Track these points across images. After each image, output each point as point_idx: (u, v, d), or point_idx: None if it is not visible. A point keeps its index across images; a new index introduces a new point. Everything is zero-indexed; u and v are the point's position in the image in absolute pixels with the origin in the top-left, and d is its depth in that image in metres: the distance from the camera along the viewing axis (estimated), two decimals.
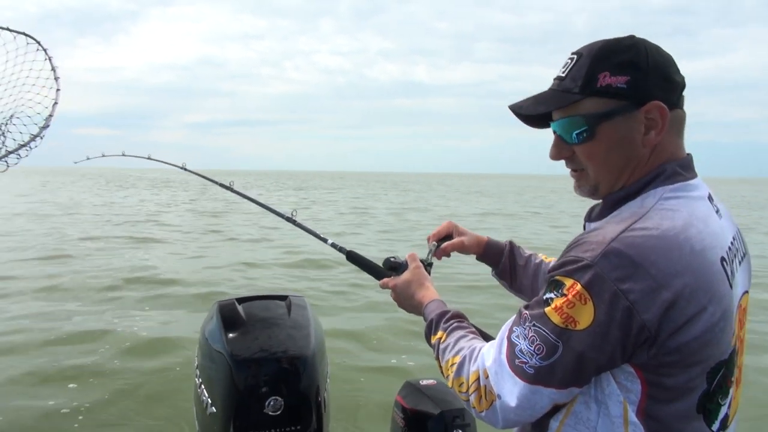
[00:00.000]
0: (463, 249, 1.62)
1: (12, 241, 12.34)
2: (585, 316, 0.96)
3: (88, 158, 3.00)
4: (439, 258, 1.62)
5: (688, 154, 1.15)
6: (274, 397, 1.82)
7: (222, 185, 2.33)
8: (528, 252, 1.64)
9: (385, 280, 1.54)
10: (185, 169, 2.59)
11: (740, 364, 1.12)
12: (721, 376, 1.03)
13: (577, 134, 1.11)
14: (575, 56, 1.12)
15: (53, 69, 1.97)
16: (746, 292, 1.14)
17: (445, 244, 1.61)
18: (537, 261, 1.61)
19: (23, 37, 1.97)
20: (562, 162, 1.20)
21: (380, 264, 1.63)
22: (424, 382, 2.17)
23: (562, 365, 0.99)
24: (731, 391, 1.07)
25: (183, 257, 10.88)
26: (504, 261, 1.62)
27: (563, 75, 1.13)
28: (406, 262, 1.52)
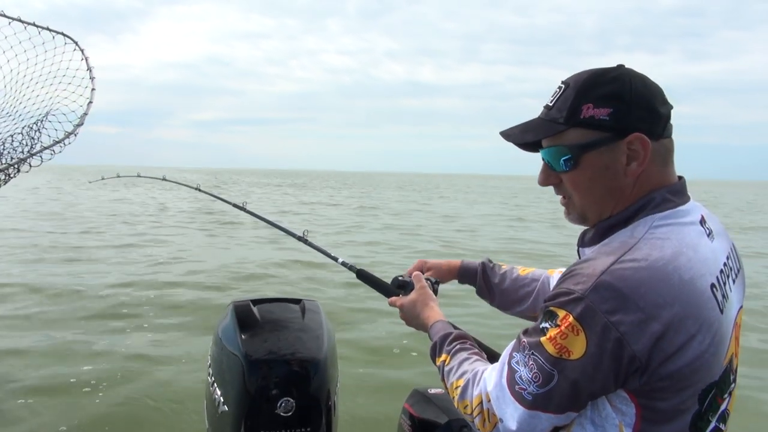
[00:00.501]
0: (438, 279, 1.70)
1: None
2: (578, 347, 1.00)
3: (102, 178, 3.08)
4: None
5: (680, 179, 1.18)
6: (285, 398, 1.85)
7: (235, 205, 2.41)
8: (504, 268, 1.71)
9: (394, 298, 1.62)
10: (200, 190, 2.67)
11: (735, 376, 1.15)
12: (711, 396, 1.06)
13: (563, 162, 1.15)
14: (563, 86, 1.16)
15: (89, 69, 2.03)
16: (740, 307, 1.18)
17: (416, 273, 1.67)
18: (513, 276, 1.67)
19: (61, 36, 2.03)
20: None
21: (389, 281, 1.71)
22: (432, 391, 2.19)
23: (559, 392, 1.03)
24: (722, 406, 1.11)
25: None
26: (479, 281, 1.71)
27: (551, 104, 1.17)
28: (413, 281, 1.59)
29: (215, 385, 2.02)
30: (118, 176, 2.98)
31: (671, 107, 1.14)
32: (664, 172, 1.15)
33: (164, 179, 2.87)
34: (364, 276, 1.80)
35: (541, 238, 14.90)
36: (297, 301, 2.25)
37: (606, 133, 1.10)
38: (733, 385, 1.13)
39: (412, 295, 1.55)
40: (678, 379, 1.01)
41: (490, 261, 1.73)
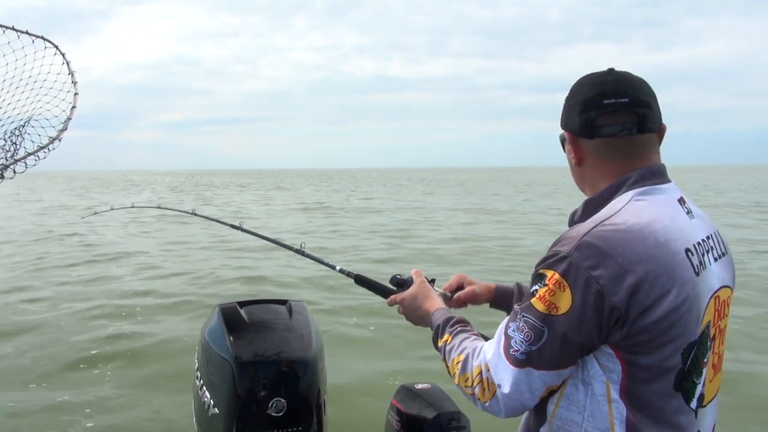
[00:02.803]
0: (474, 298, 1.73)
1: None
2: (564, 302, 1.10)
3: (95, 213, 3.04)
4: (456, 308, 1.72)
5: (657, 164, 1.27)
6: (276, 399, 1.86)
7: (231, 225, 2.45)
8: None
9: (393, 296, 1.66)
10: (195, 215, 2.68)
11: (720, 352, 1.25)
12: (693, 355, 1.14)
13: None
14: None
15: (71, 73, 2.01)
16: (727, 287, 1.25)
17: (458, 294, 1.72)
18: None
19: (41, 40, 2.00)
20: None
21: (387, 282, 1.74)
22: (420, 386, 2.22)
23: (550, 347, 1.12)
24: (704, 371, 1.18)
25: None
26: (515, 303, 1.70)
27: None
28: (412, 278, 1.63)
29: (204, 388, 2.02)
30: (112, 209, 2.95)
31: (611, 109, 1.23)
32: (627, 162, 1.25)
33: (159, 207, 2.85)
34: (362, 281, 1.84)
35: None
36: (283, 302, 2.25)
37: (562, 131, 1.33)
38: (709, 353, 1.20)
39: (413, 289, 1.59)
40: (656, 333, 1.09)
41: (522, 284, 1.73)
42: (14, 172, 1.79)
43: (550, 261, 1.14)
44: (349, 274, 1.88)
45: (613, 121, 1.23)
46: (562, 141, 1.35)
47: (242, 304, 2.19)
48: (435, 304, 1.52)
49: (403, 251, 11.98)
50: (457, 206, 23.51)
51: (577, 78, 1.31)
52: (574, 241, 1.12)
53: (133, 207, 2.88)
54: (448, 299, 1.70)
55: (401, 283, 1.67)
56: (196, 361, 2.15)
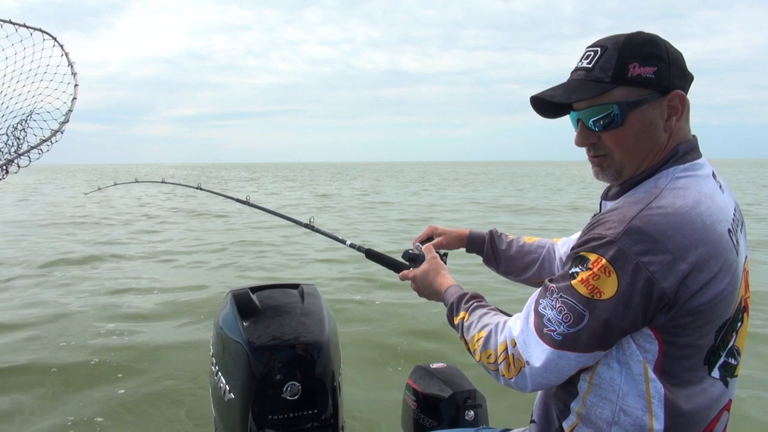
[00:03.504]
0: (443, 247, 1.75)
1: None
2: (609, 287, 1.07)
3: (99, 188, 3.08)
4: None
5: (693, 136, 1.25)
6: (291, 383, 1.87)
7: (238, 200, 2.44)
8: (511, 237, 1.77)
9: (405, 272, 1.65)
10: (201, 189, 2.69)
11: (746, 322, 1.23)
12: (725, 331, 1.14)
13: (606, 121, 1.19)
14: (599, 48, 1.20)
15: (70, 64, 2.00)
16: (746, 256, 1.25)
17: (427, 244, 1.72)
18: (520, 243, 1.74)
19: (39, 33, 1.99)
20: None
21: (398, 258, 1.75)
22: (435, 366, 2.23)
23: (589, 331, 1.09)
24: (731, 342, 1.18)
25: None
26: (487, 248, 1.75)
27: (590, 66, 1.20)
28: (423, 253, 1.63)
29: (219, 373, 2.03)
30: (115, 184, 2.96)
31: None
32: (686, 127, 1.24)
33: (163, 182, 2.84)
34: (373, 255, 1.84)
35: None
36: (295, 286, 2.26)
37: (651, 91, 1.17)
38: (740, 324, 1.20)
39: (424, 266, 1.58)
40: (700, 314, 1.08)
41: (497, 230, 1.78)
42: (18, 166, 1.79)
43: (593, 244, 1.10)
44: (360, 249, 1.88)
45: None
46: (626, 109, 1.16)
47: (254, 289, 2.19)
48: (447, 280, 1.51)
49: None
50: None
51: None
52: (621, 226, 1.08)
53: (136, 182, 2.88)
54: (418, 250, 1.72)
55: (413, 258, 1.68)
56: (211, 347, 2.16)
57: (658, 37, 1.19)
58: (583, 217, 14.21)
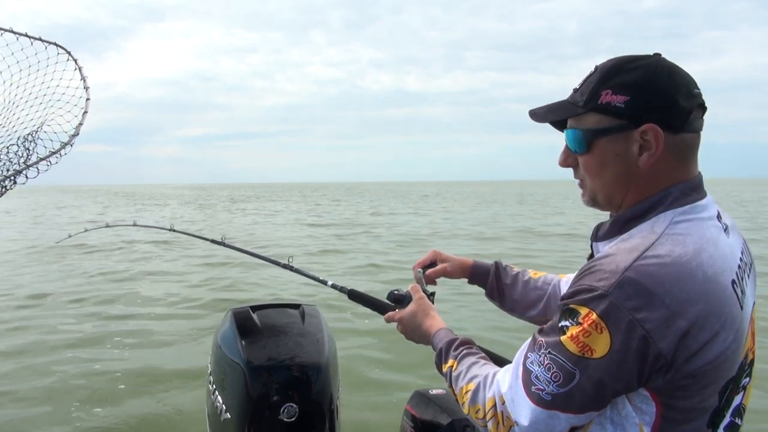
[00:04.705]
0: (446, 275, 1.68)
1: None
2: (601, 345, 0.98)
3: (69, 236, 3.06)
4: (426, 284, 1.67)
5: (698, 174, 1.16)
6: (289, 404, 1.84)
7: (213, 241, 2.41)
8: (516, 270, 1.68)
9: (390, 314, 1.58)
10: (173, 230, 2.66)
11: (750, 370, 1.14)
12: (729, 391, 1.05)
13: (577, 145, 1.16)
14: (593, 70, 1.16)
15: (83, 78, 2.02)
16: (754, 302, 1.16)
17: (429, 271, 1.67)
18: (525, 278, 1.65)
19: (54, 47, 2.02)
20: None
21: (383, 298, 1.67)
22: (434, 392, 2.19)
23: (580, 391, 1.01)
24: (736, 401, 1.10)
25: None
26: (491, 282, 1.67)
27: (577, 87, 1.18)
28: (410, 294, 1.56)
29: (216, 392, 2.01)
30: (86, 230, 2.95)
31: (699, 101, 1.11)
32: (681, 166, 1.12)
33: (135, 224, 2.83)
34: (356, 296, 1.77)
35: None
36: (296, 306, 2.24)
37: (620, 121, 1.10)
38: (747, 380, 1.12)
39: (411, 306, 1.51)
40: (700, 377, 1.00)
41: (502, 262, 1.70)
42: (26, 177, 1.81)
43: (584, 297, 1.01)
44: (341, 290, 1.80)
45: (700, 115, 1.11)
46: (590, 137, 1.13)
47: (255, 308, 2.18)
48: (435, 323, 1.44)
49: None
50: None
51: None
52: (613, 277, 0.98)
53: (107, 226, 2.84)
54: (421, 275, 1.66)
55: (399, 299, 1.59)
56: (209, 365, 2.15)
57: (654, 64, 1.10)
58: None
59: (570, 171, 1.25)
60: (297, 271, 2.01)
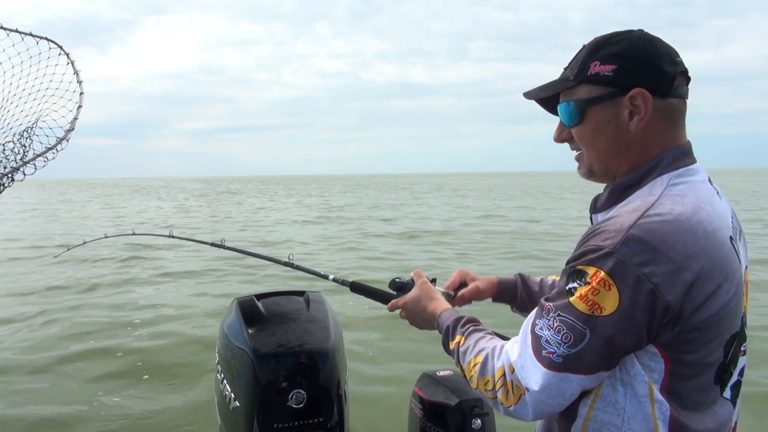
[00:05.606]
0: (479, 294, 1.64)
1: None
2: (610, 302, 1.01)
3: (68, 249, 3.09)
4: (460, 305, 1.63)
5: (687, 141, 1.19)
6: (297, 390, 1.85)
7: (212, 244, 2.41)
8: (538, 278, 1.67)
9: (393, 301, 1.57)
10: (173, 237, 2.67)
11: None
12: (733, 348, 1.09)
13: (570, 117, 1.20)
14: (581, 48, 1.21)
15: (76, 73, 2.01)
16: (746, 266, 1.19)
17: (462, 291, 1.62)
18: (549, 282, 1.63)
19: (45, 42, 2.01)
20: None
21: (385, 287, 1.66)
22: (441, 373, 2.20)
23: (591, 351, 1.03)
24: (740, 359, 1.13)
25: None
26: (521, 294, 1.64)
27: (567, 65, 1.23)
28: (412, 279, 1.55)
29: (225, 381, 2.02)
30: (84, 242, 2.97)
31: (682, 68, 1.16)
32: (671, 131, 1.16)
33: (134, 233, 2.85)
34: (358, 288, 1.76)
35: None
36: (301, 293, 2.24)
37: (609, 88, 1.14)
38: (745, 342, 1.14)
39: (415, 291, 1.51)
40: (706, 328, 1.02)
41: (524, 274, 1.67)
42: (24, 174, 1.80)
43: (591, 257, 1.03)
44: (343, 283, 1.80)
45: (684, 83, 1.16)
46: (582, 106, 1.17)
47: (260, 296, 2.18)
48: (440, 305, 1.44)
49: None
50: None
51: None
52: (618, 235, 1.01)
53: (105, 237, 2.86)
54: (451, 298, 1.61)
55: (401, 287, 1.58)
56: (216, 355, 2.16)
57: (636, 35, 1.15)
58: None
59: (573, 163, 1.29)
60: (298, 267, 2.02)
